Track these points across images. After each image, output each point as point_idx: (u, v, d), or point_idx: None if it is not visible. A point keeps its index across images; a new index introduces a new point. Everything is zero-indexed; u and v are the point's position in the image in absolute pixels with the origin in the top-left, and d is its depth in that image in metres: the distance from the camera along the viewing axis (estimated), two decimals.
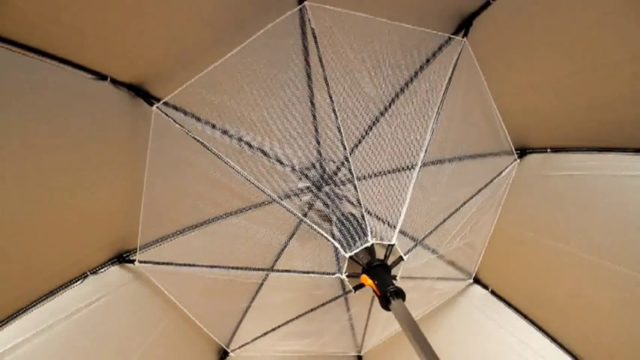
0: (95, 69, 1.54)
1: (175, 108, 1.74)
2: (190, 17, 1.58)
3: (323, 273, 1.94)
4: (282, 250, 2.38)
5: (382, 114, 2.10)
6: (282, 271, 2.31)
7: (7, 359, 1.53)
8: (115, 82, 1.61)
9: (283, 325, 2.41)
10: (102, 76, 1.56)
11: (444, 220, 2.19)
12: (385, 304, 1.44)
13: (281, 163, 2.05)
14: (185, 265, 2.04)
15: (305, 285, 2.20)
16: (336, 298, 2.45)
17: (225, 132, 1.88)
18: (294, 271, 2.11)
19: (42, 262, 1.68)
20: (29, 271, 1.64)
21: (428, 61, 1.94)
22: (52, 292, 1.72)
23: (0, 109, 1.31)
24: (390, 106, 2.08)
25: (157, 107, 1.67)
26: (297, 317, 2.41)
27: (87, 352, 1.84)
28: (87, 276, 1.86)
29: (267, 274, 2.33)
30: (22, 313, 1.61)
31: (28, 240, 1.57)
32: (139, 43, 1.57)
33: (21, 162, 1.43)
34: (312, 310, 2.40)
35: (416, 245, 2.01)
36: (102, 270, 1.93)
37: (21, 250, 1.56)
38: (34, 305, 1.65)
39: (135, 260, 1.97)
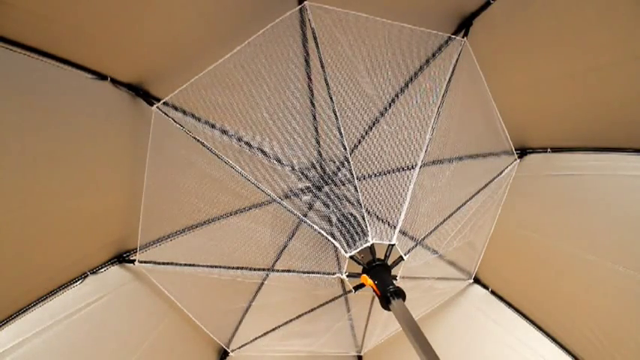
0: (95, 69, 1.54)
1: (175, 108, 1.74)
2: (190, 17, 1.58)
3: (323, 273, 1.94)
4: (282, 250, 2.37)
5: (382, 114, 2.10)
6: (283, 271, 2.30)
7: (7, 359, 1.53)
8: (115, 82, 1.60)
9: (283, 325, 2.41)
10: (102, 76, 1.56)
11: (444, 220, 2.19)
12: (385, 304, 1.44)
13: (281, 163, 2.05)
14: (185, 265, 2.04)
15: (305, 285, 2.20)
16: (336, 298, 2.45)
17: (224, 132, 1.88)
18: (295, 271, 2.11)
19: (42, 262, 1.68)
20: (29, 271, 1.64)
21: (428, 61, 1.94)
22: (52, 292, 1.72)
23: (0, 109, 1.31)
24: (390, 106, 2.08)
25: (157, 107, 1.67)
26: (297, 317, 2.41)
27: (87, 352, 1.84)
28: (87, 276, 1.86)
29: (267, 274, 2.33)
30: (22, 313, 1.61)
31: (28, 240, 1.57)
32: (139, 43, 1.57)
33: (20, 162, 1.43)
34: (312, 310, 2.40)
35: (416, 245, 2.01)
36: (102, 270, 1.93)
37: (21, 250, 1.56)
38: (34, 305, 1.65)
39: (135, 260, 1.97)
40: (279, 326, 2.42)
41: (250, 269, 2.20)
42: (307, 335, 2.44)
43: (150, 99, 1.70)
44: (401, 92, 2.03)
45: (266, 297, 2.47)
